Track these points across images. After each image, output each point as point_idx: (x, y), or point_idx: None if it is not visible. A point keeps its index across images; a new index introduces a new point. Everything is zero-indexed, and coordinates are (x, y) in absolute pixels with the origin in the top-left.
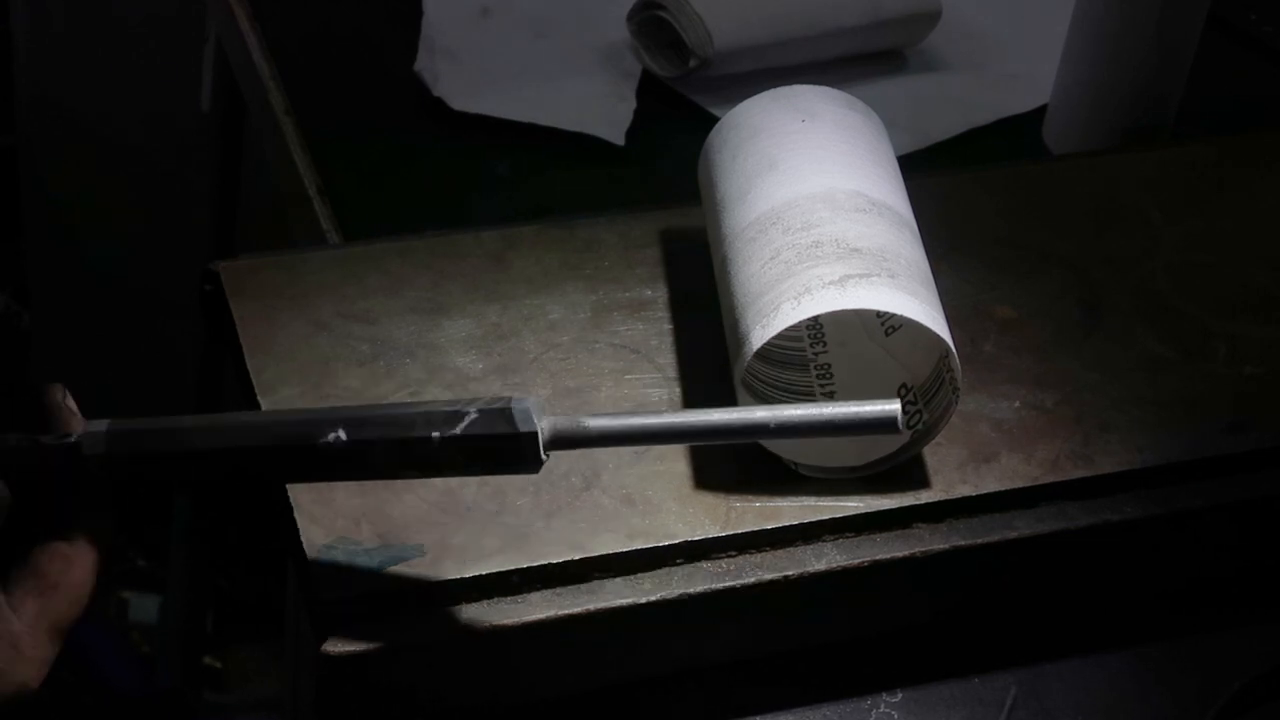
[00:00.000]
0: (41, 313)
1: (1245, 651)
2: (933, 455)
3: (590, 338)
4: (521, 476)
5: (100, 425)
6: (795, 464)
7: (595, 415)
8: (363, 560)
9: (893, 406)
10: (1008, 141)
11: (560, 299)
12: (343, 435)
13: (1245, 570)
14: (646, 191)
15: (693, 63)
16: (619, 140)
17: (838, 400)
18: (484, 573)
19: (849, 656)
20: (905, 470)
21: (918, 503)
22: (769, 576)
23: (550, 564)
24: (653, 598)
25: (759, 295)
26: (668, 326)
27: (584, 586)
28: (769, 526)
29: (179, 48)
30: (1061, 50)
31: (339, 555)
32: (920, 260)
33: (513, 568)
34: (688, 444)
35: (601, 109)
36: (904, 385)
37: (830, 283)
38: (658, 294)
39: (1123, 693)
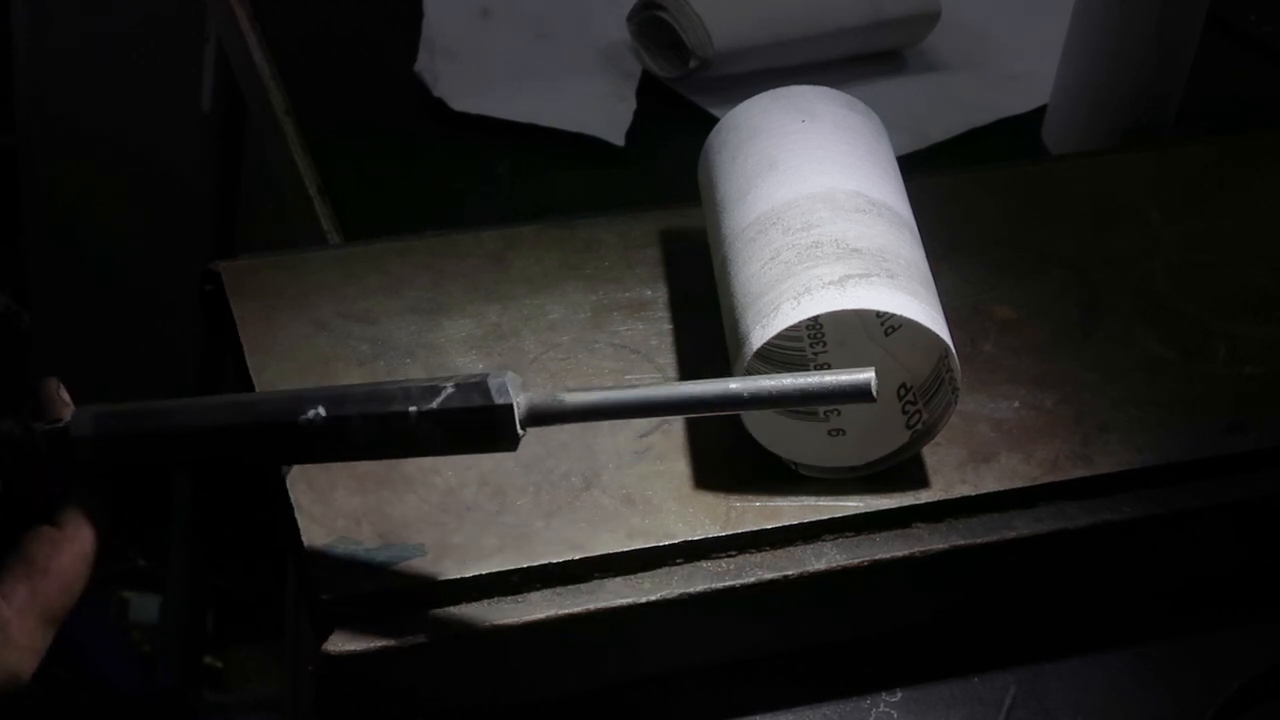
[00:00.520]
0: (41, 313)
1: (1245, 651)
2: (932, 455)
3: (590, 338)
4: (521, 476)
5: (89, 410)
6: (795, 464)
7: (572, 390)
8: (363, 560)
9: (866, 375)
10: (1008, 141)
11: (560, 299)
12: (322, 412)
13: (1245, 570)
14: (646, 191)
15: (693, 63)
16: (619, 140)
17: (815, 372)
18: (484, 573)
19: (849, 656)
20: (905, 470)
21: (917, 502)
22: (769, 576)
23: (550, 564)
24: (653, 598)
25: (759, 295)
26: (668, 326)
27: (584, 586)
28: (769, 526)
29: (179, 48)
30: (1061, 50)
31: (339, 555)
32: (920, 260)
33: (513, 568)
34: (665, 416)
35: (601, 109)
36: (903, 385)
37: (830, 283)
38: (658, 294)
39: (1123, 693)
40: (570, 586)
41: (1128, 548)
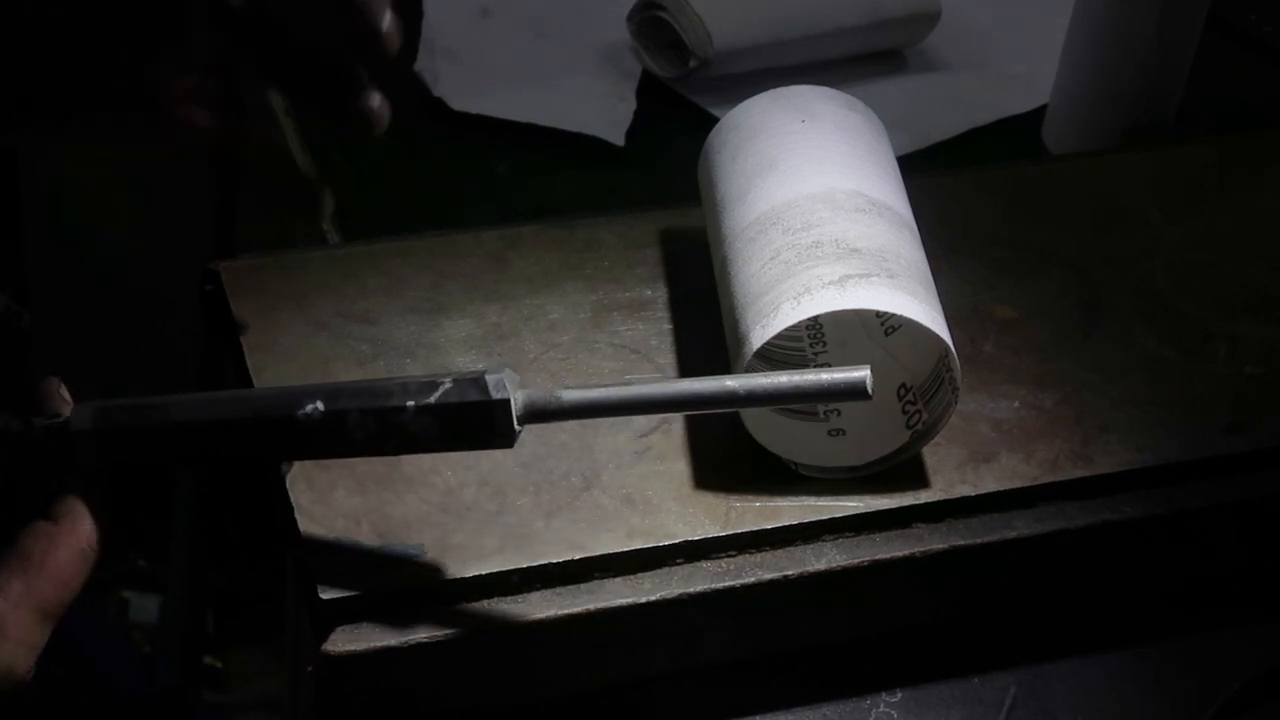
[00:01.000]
0: (41, 313)
1: (1245, 651)
2: (932, 455)
3: (590, 338)
4: (521, 476)
5: (90, 405)
6: (795, 464)
7: (569, 387)
8: (363, 560)
9: (862, 373)
10: (1008, 141)
11: (560, 299)
12: (320, 406)
13: (1245, 570)
14: (646, 191)
15: (693, 63)
16: (619, 140)
17: (811, 370)
18: (484, 573)
19: (849, 656)
20: (905, 470)
21: (917, 503)
22: (769, 576)
23: (550, 564)
24: (653, 598)
25: (759, 295)
26: (668, 326)
27: (584, 586)
28: (769, 526)
29: None
30: (1061, 50)
31: (339, 555)
32: (920, 260)
33: (513, 568)
34: (663, 413)
35: (601, 109)
36: (904, 385)
37: (830, 283)
38: (658, 294)
39: (1123, 693)
40: (570, 586)
41: (1128, 548)
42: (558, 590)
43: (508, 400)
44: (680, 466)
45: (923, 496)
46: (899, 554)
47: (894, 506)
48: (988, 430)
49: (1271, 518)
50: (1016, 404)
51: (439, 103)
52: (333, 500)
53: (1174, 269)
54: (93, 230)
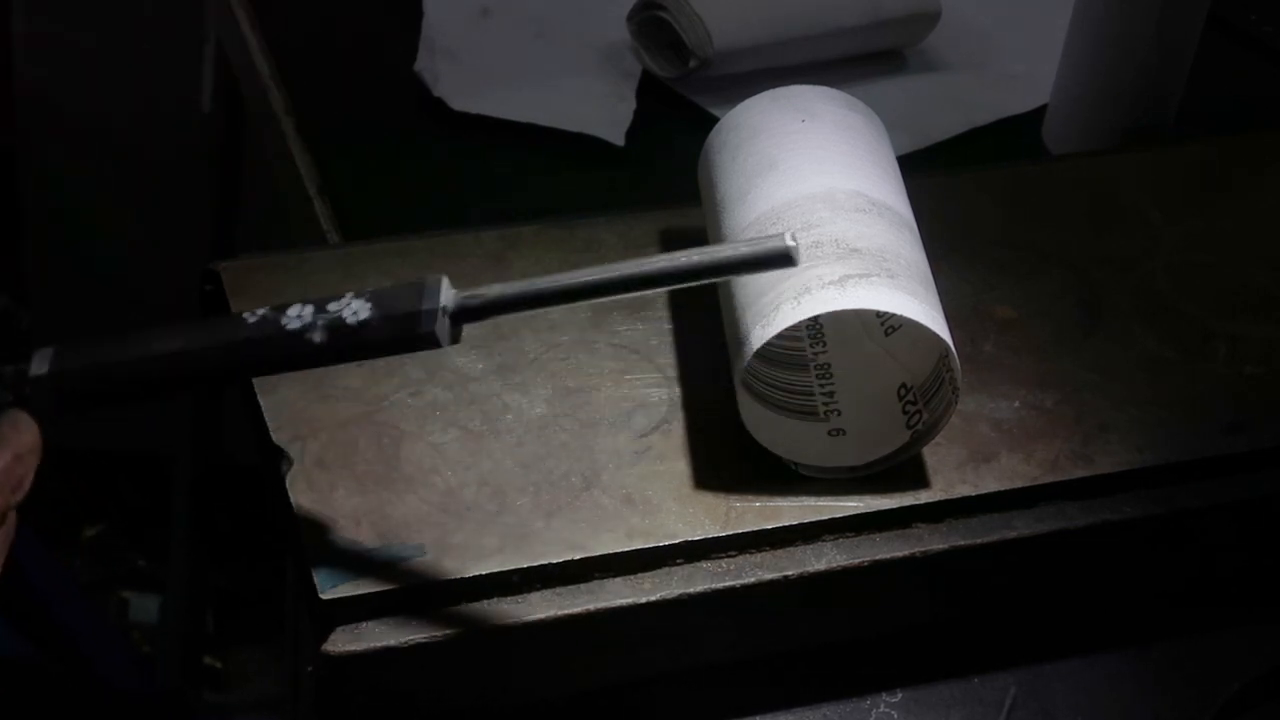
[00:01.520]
0: (41, 313)
1: (1245, 651)
2: (932, 455)
3: (590, 338)
4: (521, 476)
5: (47, 349)
6: (795, 464)
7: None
8: (363, 560)
9: (783, 240)
10: (1008, 141)
11: None
12: (265, 312)
13: (1245, 570)
14: (646, 191)
15: (693, 63)
16: (619, 140)
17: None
18: (484, 573)
19: (849, 656)
20: (905, 470)
21: (917, 503)
22: (769, 576)
23: (550, 564)
24: (653, 598)
25: (759, 295)
26: (668, 326)
27: (584, 586)
28: (769, 526)
29: (179, 48)
30: (1061, 50)
31: (339, 555)
32: (920, 260)
33: (513, 568)
34: (595, 299)
35: (601, 109)
36: (904, 385)
37: (830, 283)
38: (658, 294)
39: (1123, 693)
40: (570, 586)
41: (1128, 548)
42: (558, 590)
43: (437, 293)
44: (680, 466)
45: (923, 496)
46: (899, 554)
47: (894, 506)
48: (988, 430)
49: (1271, 518)
50: (1016, 404)
51: (439, 103)
52: (333, 500)
53: (1174, 269)
54: (93, 230)
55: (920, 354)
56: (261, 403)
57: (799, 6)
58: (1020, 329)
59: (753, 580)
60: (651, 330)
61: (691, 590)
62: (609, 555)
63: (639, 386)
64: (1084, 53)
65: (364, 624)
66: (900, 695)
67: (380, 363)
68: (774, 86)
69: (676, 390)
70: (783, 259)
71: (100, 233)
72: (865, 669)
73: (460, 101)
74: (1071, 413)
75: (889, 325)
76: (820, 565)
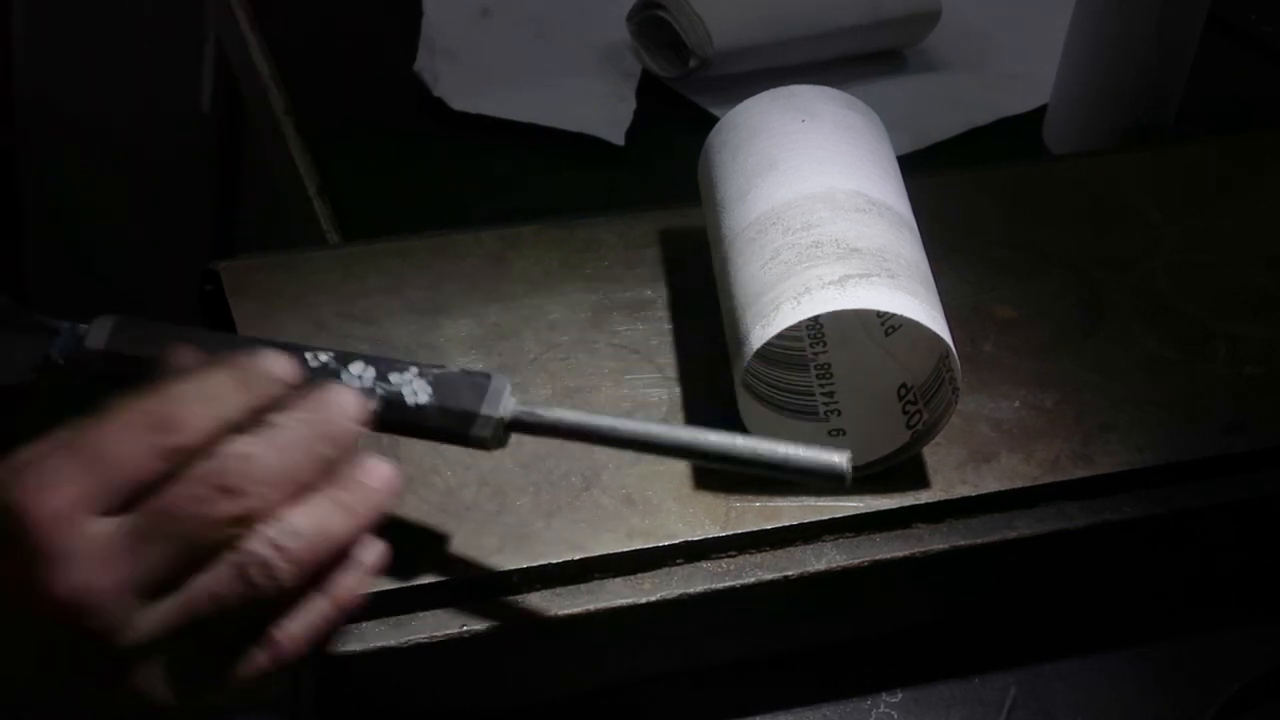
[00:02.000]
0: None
1: (1245, 651)
2: (933, 455)
3: (590, 338)
4: (521, 476)
5: (108, 322)
6: None
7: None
8: None
9: (841, 457)
10: (1008, 141)
11: (560, 299)
12: (327, 358)
13: (1245, 570)
14: (646, 191)
15: (693, 63)
16: (619, 140)
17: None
18: (484, 573)
19: (849, 656)
20: (905, 470)
21: (918, 503)
22: (769, 576)
23: (550, 564)
24: (653, 598)
25: (759, 295)
26: (668, 326)
27: (584, 586)
28: (769, 526)
29: (179, 48)
30: (1061, 50)
31: None
32: (920, 260)
33: (513, 568)
34: (644, 453)
35: (601, 109)
36: (904, 385)
37: (830, 283)
38: (658, 294)
39: (1123, 693)
40: (570, 586)
41: (1128, 548)
42: (558, 590)
43: (499, 400)
44: (680, 466)
45: (923, 496)
46: (899, 554)
47: (894, 506)
48: (988, 430)
49: (1271, 518)
50: (1017, 404)
51: (439, 103)
52: None
53: (1174, 269)
54: (93, 230)
55: (920, 354)
56: None
57: (799, 6)
58: (1020, 329)
59: (753, 580)
60: (651, 330)
61: (691, 590)
62: (609, 555)
63: (639, 386)
64: (1084, 53)
65: (364, 624)
66: (900, 695)
67: None
68: (774, 86)
69: (676, 390)
70: (834, 479)
71: (100, 233)
72: (865, 669)
73: (460, 101)
74: (1071, 413)
75: (889, 325)
76: (820, 565)
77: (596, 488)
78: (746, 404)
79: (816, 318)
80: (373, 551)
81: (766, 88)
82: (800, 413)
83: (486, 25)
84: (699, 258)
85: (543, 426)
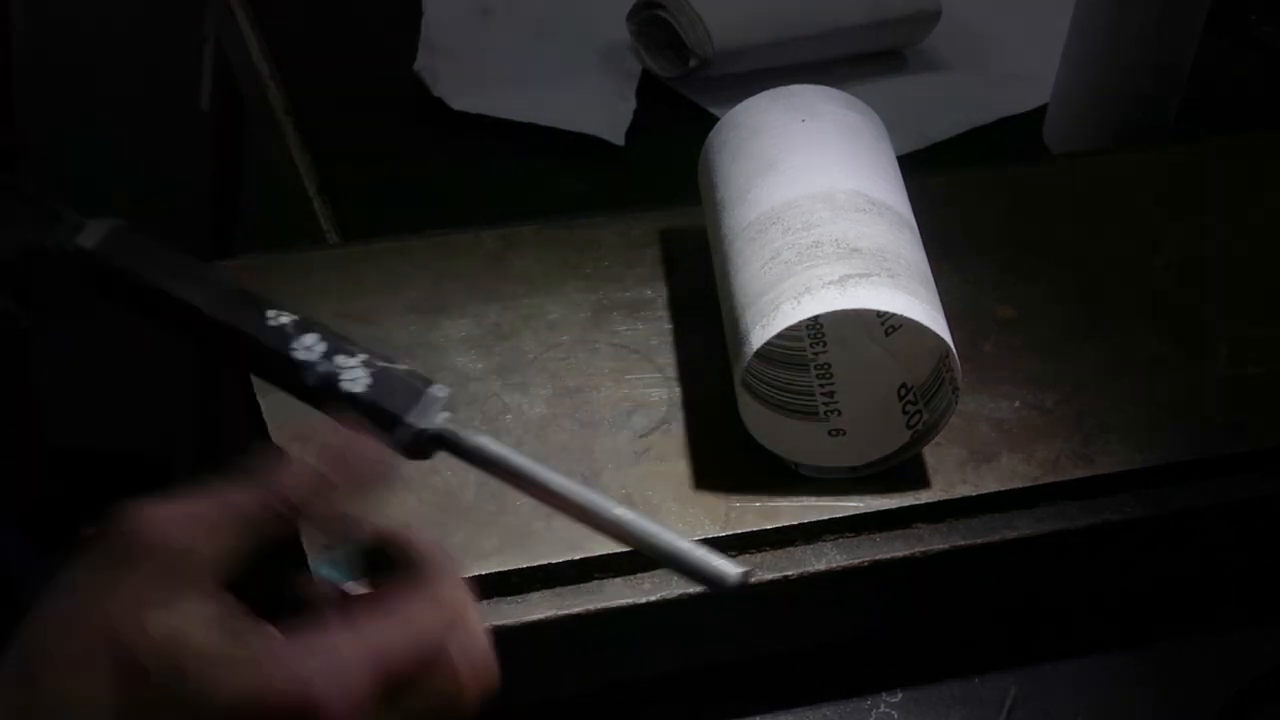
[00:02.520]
0: (41, 313)
1: (1245, 651)
2: (933, 455)
3: (590, 338)
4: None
5: (104, 226)
6: (795, 464)
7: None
8: (362, 560)
9: (737, 570)
10: (1008, 141)
11: (560, 299)
12: (284, 319)
13: (1246, 570)
14: (646, 191)
15: (693, 63)
16: (619, 140)
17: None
18: (484, 573)
19: (849, 656)
20: (905, 470)
21: (918, 503)
22: (769, 576)
23: (550, 564)
24: (653, 598)
25: (759, 295)
26: (668, 326)
27: (584, 586)
28: (769, 526)
29: (179, 47)
30: (1061, 50)
31: (338, 555)
32: (920, 260)
33: (513, 568)
34: (561, 512)
35: (601, 109)
36: (904, 385)
37: (830, 282)
38: (658, 294)
39: (1123, 693)
40: (570, 587)
41: (1128, 548)
42: (558, 590)
43: (432, 413)
44: (680, 466)
45: (923, 496)
46: (899, 554)
47: (894, 506)
48: (988, 430)
49: (1271, 518)
50: (1017, 404)
51: (439, 103)
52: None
53: (1175, 268)
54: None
55: (921, 354)
56: (261, 403)
57: (799, 6)
58: (1020, 329)
59: (752, 580)
60: (651, 330)
61: (691, 590)
62: (609, 555)
63: (639, 386)
64: (1084, 53)
65: None
66: (900, 695)
67: None
68: (774, 86)
69: (676, 390)
70: (723, 584)
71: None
72: (865, 669)
73: (460, 101)
74: (1071, 413)
75: (889, 325)
76: (820, 565)
77: (596, 488)
78: (746, 404)
79: (816, 318)
80: None
81: (766, 88)
82: (800, 413)
83: (486, 25)
84: (699, 258)
85: (463, 451)
